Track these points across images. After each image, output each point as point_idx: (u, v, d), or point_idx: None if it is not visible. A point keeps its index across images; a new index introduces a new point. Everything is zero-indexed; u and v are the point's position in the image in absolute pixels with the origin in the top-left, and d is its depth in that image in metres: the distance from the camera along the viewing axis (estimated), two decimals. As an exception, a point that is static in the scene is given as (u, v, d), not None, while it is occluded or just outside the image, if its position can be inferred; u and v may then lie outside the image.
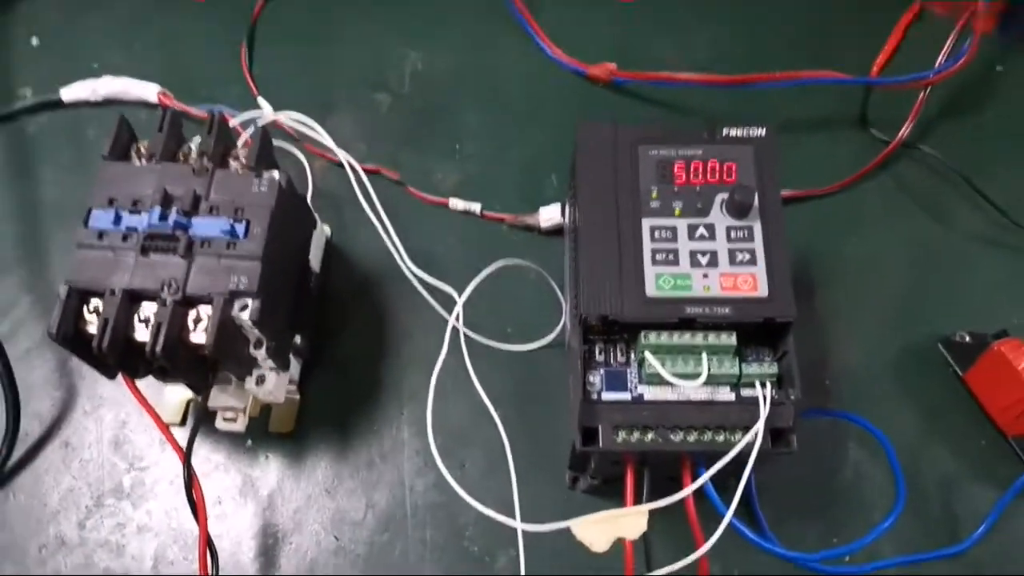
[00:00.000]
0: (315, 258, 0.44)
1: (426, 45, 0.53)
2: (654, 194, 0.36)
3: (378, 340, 0.45)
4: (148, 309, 0.34)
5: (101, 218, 0.35)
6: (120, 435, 0.43)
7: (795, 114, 0.50)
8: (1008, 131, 0.49)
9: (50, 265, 0.47)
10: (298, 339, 0.42)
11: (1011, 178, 0.48)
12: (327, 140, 0.45)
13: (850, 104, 0.50)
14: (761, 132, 0.36)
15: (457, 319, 0.40)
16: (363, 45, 0.53)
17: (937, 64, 0.48)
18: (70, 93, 0.50)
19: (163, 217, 0.34)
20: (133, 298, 0.34)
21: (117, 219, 0.35)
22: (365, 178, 0.45)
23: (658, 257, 0.34)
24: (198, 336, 0.34)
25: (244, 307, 0.34)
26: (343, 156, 0.45)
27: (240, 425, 0.41)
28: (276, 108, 0.49)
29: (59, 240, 0.47)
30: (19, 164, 0.49)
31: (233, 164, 0.37)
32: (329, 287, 0.46)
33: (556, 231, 0.47)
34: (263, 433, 0.43)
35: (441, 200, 0.48)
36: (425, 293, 0.42)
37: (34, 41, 0.53)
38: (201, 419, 0.38)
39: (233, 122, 0.43)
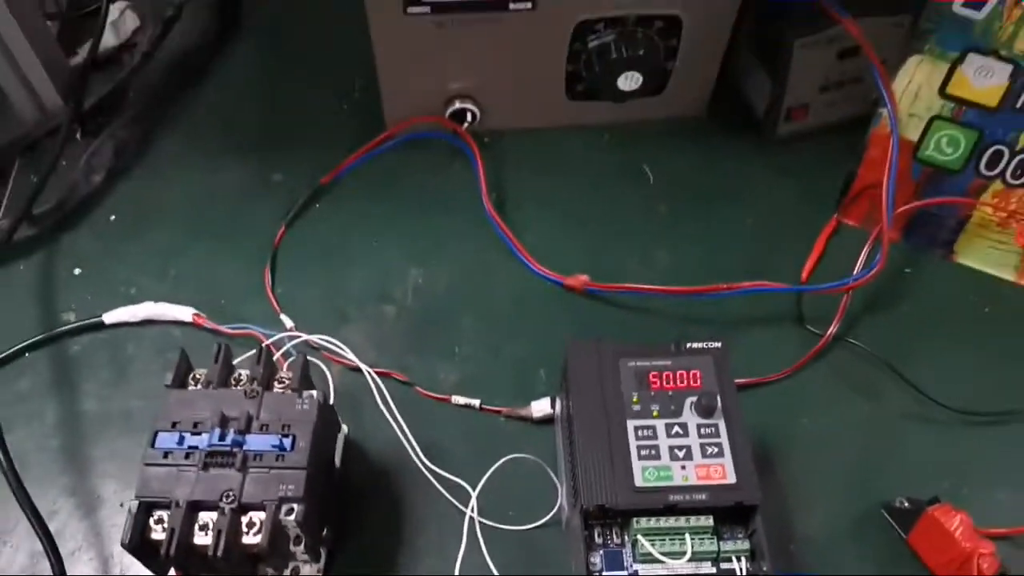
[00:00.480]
0: (337, 457, 0.50)
1: (426, 264, 0.61)
2: (635, 399, 0.43)
3: (396, 529, 0.50)
4: (205, 516, 0.40)
5: (166, 440, 0.41)
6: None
7: (743, 314, 0.58)
8: (921, 323, 0.58)
9: (90, 472, 0.52)
10: (325, 531, 0.47)
11: (928, 362, 0.56)
12: (347, 352, 0.52)
13: (788, 305, 0.59)
14: (717, 345, 0.45)
15: (473, 511, 0.46)
16: (371, 265, 0.61)
17: (855, 272, 0.57)
18: (112, 317, 0.57)
19: (222, 437, 0.40)
20: (194, 508, 0.39)
21: (180, 440, 0.41)
22: (379, 381, 0.52)
23: (642, 453, 0.41)
24: (251, 539, 0.39)
25: (291, 511, 0.40)
26: (360, 363, 0.52)
27: (269, 617, 0.45)
28: (296, 321, 0.57)
29: (99, 447, 0.52)
30: (62, 381, 0.55)
31: (278, 387, 0.44)
32: (347, 481, 0.51)
33: (547, 421, 0.54)
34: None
35: (444, 397, 0.55)
36: (438, 485, 0.48)
37: (76, 271, 0.60)
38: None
39: (266, 341, 0.51)
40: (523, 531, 0.49)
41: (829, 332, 0.57)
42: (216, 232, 0.62)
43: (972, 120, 0.55)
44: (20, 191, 0.62)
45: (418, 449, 0.49)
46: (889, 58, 0.56)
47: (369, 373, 0.52)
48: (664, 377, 0.44)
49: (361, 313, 0.59)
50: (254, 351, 0.45)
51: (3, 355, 0.56)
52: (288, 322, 0.57)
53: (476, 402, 0.54)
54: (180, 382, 0.43)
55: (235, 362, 0.46)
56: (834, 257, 0.61)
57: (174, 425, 0.41)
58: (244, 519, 0.39)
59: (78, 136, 0.66)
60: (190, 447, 0.40)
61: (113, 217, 0.63)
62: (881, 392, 0.55)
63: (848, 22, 0.58)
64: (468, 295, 0.60)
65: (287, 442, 0.41)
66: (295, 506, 0.40)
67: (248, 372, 0.44)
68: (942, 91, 0.55)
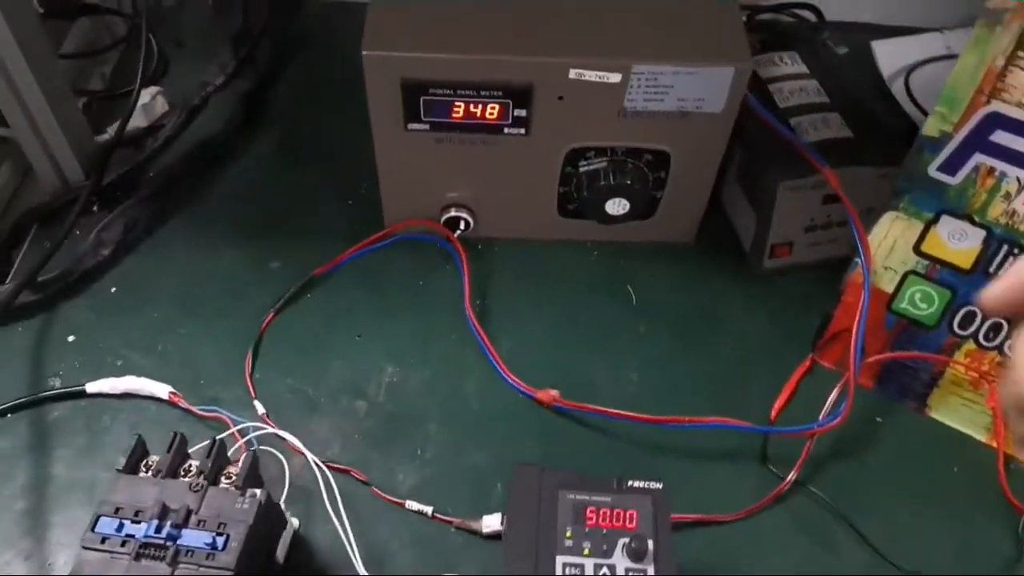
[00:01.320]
0: (281, 551, 0.51)
1: (403, 361, 0.63)
2: (568, 533, 0.43)
3: (327, 634, 0.50)
4: (132, 608, 0.40)
5: (106, 524, 0.42)
6: None
7: (707, 446, 0.58)
8: (887, 476, 0.58)
9: (48, 538, 0.53)
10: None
11: (890, 518, 0.55)
12: (303, 448, 0.54)
13: (753, 441, 0.59)
14: (658, 487, 0.45)
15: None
16: (351, 358, 0.63)
17: (821, 417, 0.58)
18: (94, 387, 0.59)
19: (158, 529, 0.42)
20: (121, 598, 0.40)
21: (120, 527, 0.42)
22: (333, 480, 0.54)
23: (566, 591, 0.41)
24: (172, 637, 0.40)
25: (214, 612, 0.40)
26: (316, 461, 0.53)
27: None
28: (268, 408, 0.59)
29: (61, 515, 0.54)
30: (38, 445, 0.57)
31: (224, 482, 0.45)
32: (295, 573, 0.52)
33: (496, 536, 0.54)
34: None
35: (399, 501, 0.55)
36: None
37: (70, 338, 0.63)
38: None
39: (232, 429, 0.52)
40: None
41: (790, 477, 0.57)
42: (208, 313, 0.65)
43: (946, 279, 0.56)
44: (32, 257, 0.66)
45: (358, 555, 0.50)
46: (877, 206, 0.57)
47: (323, 471, 0.54)
48: (601, 514, 0.44)
49: (333, 406, 0.60)
50: (207, 442, 0.46)
51: (-13, 414, 0.58)
52: (260, 408, 0.59)
53: (429, 509, 0.55)
54: (131, 468, 0.45)
55: (193, 449, 0.48)
56: (806, 397, 0.61)
57: (117, 511, 0.43)
58: (169, 614, 0.40)
59: (94, 209, 0.70)
60: (127, 535, 0.42)
61: (114, 289, 0.66)
62: (837, 546, 0.55)
63: (827, 172, 0.59)
64: (439, 398, 0.61)
65: (220, 541, 0.42)
66: (218, 606, 0.40)
67: (198, 464, 0.45)
68: (917, 248, 0.56)
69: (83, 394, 0.59)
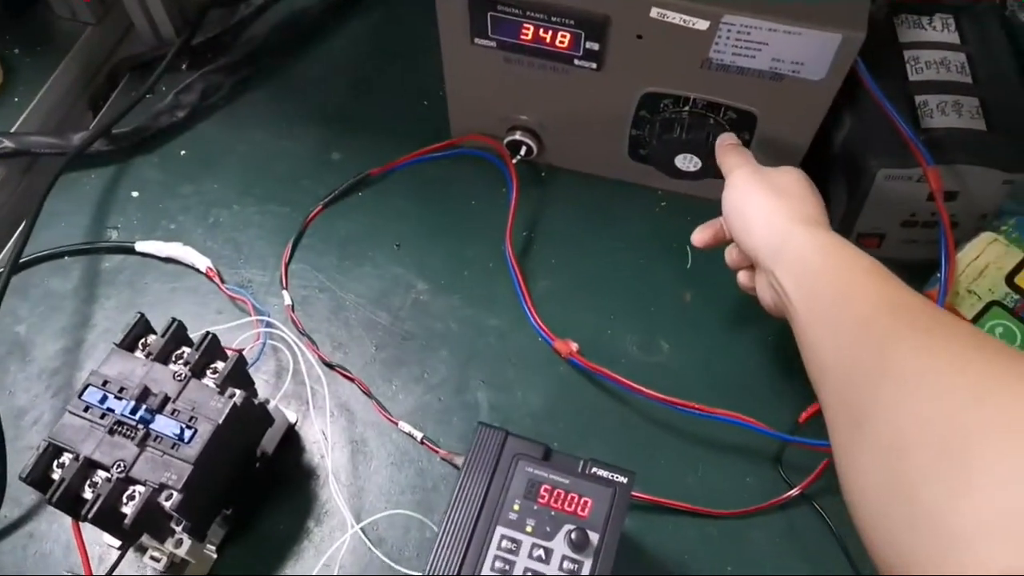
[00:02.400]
0: (270, 442, 0.53)
1: (435, 280, 0.62)
2: (516, 506, 0.42)
3: (297, 527, 0.52)
4: (100, 475, 0.43)
5: (92, 394, 0.44)
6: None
7: (719, 436, 0.55)
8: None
9: (78, 380, 0.57)
10: (228, 511, 0.50)
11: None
12: (315, 349, 0.55)
13: (771, 441, 0.55)
14: (623, 480, 0.43)
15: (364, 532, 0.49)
16: (385, 267, 0.62)
17: (848, 437, 0.52)
18: (143, 246, 0.62)
19: (134, 410, 0.44)
20: (91, 465, 0.43)
21: (103, 399, 0.44)
22: (336, 384, 0.55)
23: (496, 564, 0.41)
24: (127, 508, 0.42)
25: (169, 497, 0.43)
26: (321, 361, 0.55)
27: (162, 566, 0.49)
28: (296, 300, 0.60)
29: (93, 360, 0.58)
30: (87, 291, 0.61)
31: (210, 376, 0.46)
32: (280, 466, 0.54)
33: (481, 477, 0.54)
34: (179, 580, 0.50)
35: (393, 420, 0.56)
36: (341, 504, 0.50)
37: (134, 194, 0.66)
38: (119, 562, 0.46)
39: (252, 317, 0.54)
40: (393, 569, 0.50)
41: (797, 489, 0.53)
42: (263, 194, 0.66)
43: (1035, 321, 0.48)
44: (116, 107, 0.68)
45: (331, 473, 0.52)
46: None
47: (329, 374, 0.55)
48: (555, 495, 0.42)
49: (356, 311, 0.61)
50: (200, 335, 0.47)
51: (48, 252, 0.62)
52: (287, 299, 0.60)
53: (419, 434, 0.55)
54: (128, 344, 0.47)
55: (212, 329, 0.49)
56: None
57: (104, 384, 0.45)
58: (129, 490, 0.43)
59: (183, 68, 0.71)
60: (108, 409, 0.44)
61: (183, 152, 0.68)
62: (825, 568, 0.51)
63: (930, 169, 0.51)
64: (460, 325, 0.60)
65: (188, 433, 0.44)
66: (173, 494, 0.42)
67: (188, 356, 0.47)
68: (1009, 280, 0.49)
69: (132, 251, 0.62)
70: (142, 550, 0.50)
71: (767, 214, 0.46)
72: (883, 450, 0.33)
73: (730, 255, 0.54)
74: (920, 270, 0.56)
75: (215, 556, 0.51)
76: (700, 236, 0.55)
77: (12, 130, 0.66)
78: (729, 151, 0.53)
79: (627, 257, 0.63)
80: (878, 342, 0.36)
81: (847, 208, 0.59)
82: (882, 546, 0.33)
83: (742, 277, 0.53)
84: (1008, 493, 0.28)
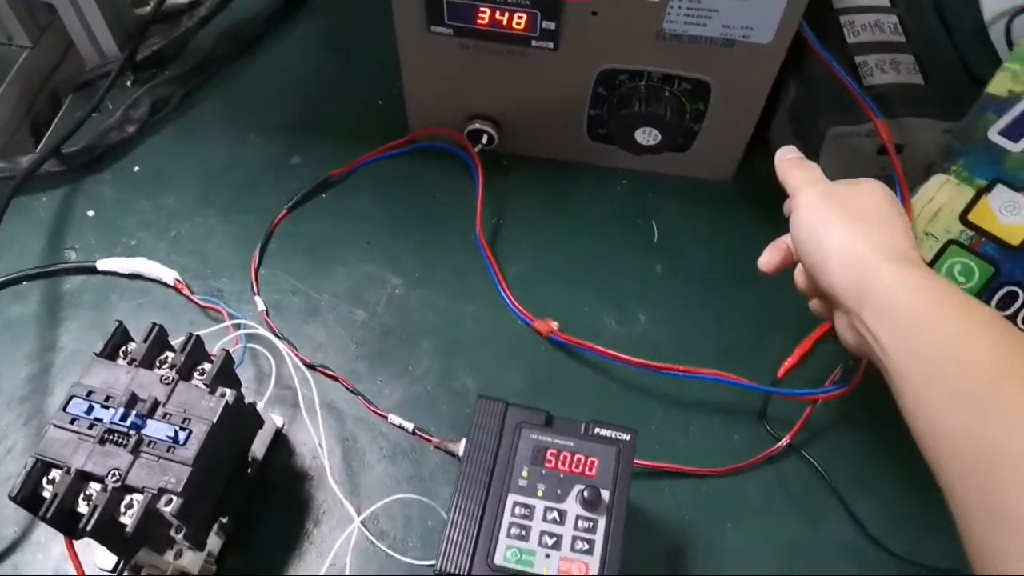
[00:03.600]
0: (260, 447, 0.52)
1: (408, 274, 0.62)
2: (525, 473, 0.42)
3: (296, 529, 0.51)
4: (94, 487, 0.42)
5: (77, 406, 0.43)
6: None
7: (704, 397, 0.56)
8: (888, 452, 0.55)
9: (49, 406, 0.55)
10: (224, 520, 0.49)
11: (884, 497, 0.53)
12: (295, 351, 0.54)
13: (754, 398, 0.56)
14: (626, 437, 0.43)
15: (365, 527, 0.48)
16: (356, 265, 0.62)
17: (827, 383, 0.54)
18: (105, 264, 0.60)
19: (124, 417, 0.43)
20: (84, 477, 0.42)
21: (89, 410, 0.43)
22: (321, 384, 0.55)
23: (512, 531, 0.41)
24: (126, 519, 0.41)
25: (169, 502, 0.41)
26: (302, 362, 0.54)
27: (160, 584, 0.48)
28: (269, 306, 0.59)
29: (63, 384, 0.56)
30: (49, 315, 0.59)
31: (197, 378, 0.46)
32: (269, 472, 0.53)
33: (475, 461, 0.54)
34: (178, 595, 0.49)
35: (383, 414, 0.55)
36: (342, 498, 0.49)
37: (90, 212, 0.64)
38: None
39: (227, 323, 0.53)
40: (398, 560, 0.49)
41: (784, 440, 0.54)
42: (224, 203, 0.65)
43: (990, 254, 0.51)
44: (62, 127, 0.67)
45: (328, 467, 0.51)
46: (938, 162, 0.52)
47: (312, 375, 0.54)
48: (561, 458, 0.43)
49: (332, 311, 0.60)
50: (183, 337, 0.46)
51: (5, 278, 0.60)
52: (260, 305, 0.59)
53: (410, 426, 0.55)
54: (109, 353, 0.46)
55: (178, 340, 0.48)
56: (820, 361, 0.58)
57: (89, 394, 0.44)
58: (126, 500, 0.41)
59: (129, 84, 0.70)
60: (95, 419, 0.43)
61: (137, 168, 0.67)
62: (823, 516, 0.53)
63: (879, 122, 0.54)
64: (438, 316, 0.60)
65: (182, 435, 0.42)
66: (173, 498, 0.41)
67: (173, 356, 0.46)
68: (963, 218, 0.51)
69: (94, 270, 0.60)
70: (137, 569, 0.48)
71: (847, 246, 0.40)
72: (1018, 541, 0.29)
73: (800, 279, 0.48)
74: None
75: (215, 568, 0.49)
76: (768, 260, 0.48)
77: (-47, 158, 0.64)
78: (792, 167, 0.47)
79: (595, 236, 0.64)
80: (1006, 413, 0.32)
81: (801, 170, 0.62)
82: None
83: (815, 305, 0.47)
84: None
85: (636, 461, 0.52)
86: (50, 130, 0.68)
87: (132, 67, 0.69)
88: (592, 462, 0.43)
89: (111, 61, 0.69)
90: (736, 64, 0.55)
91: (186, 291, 0.59)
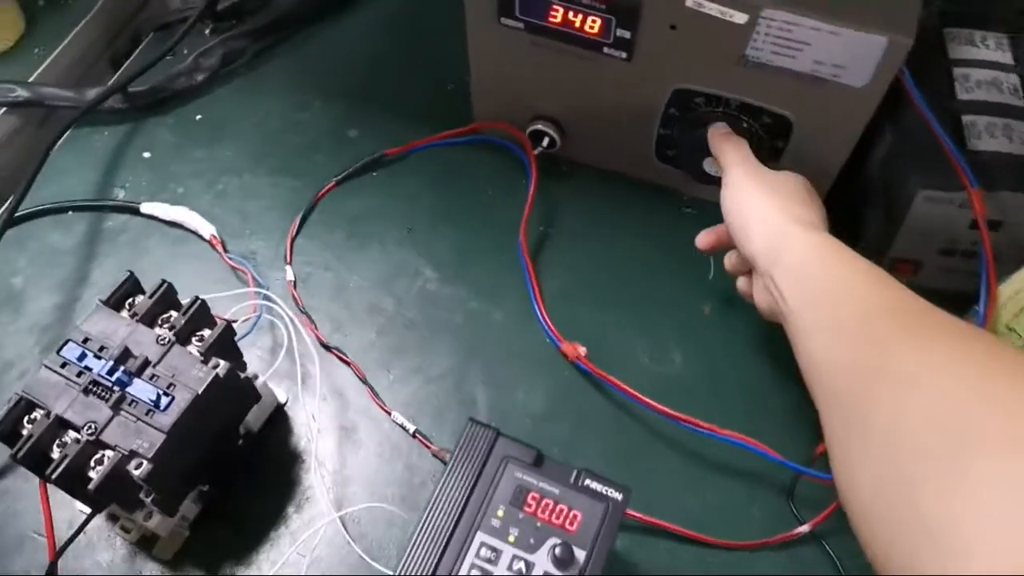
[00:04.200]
0: (256, 420, 0.51)
1: (443, 269, 0.59)
2: (501, 512, 0.39)
3: (276, 510, 0.50)
4: (71, 435, 0.41)
5: (71, 351, 0.43)
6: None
7: (728, 459, 0.52)
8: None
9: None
10: (205, 488, 0.48)
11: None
12: (308, 336, 0.53)
13: (785, 472, 0.51)
14: (618, 496, 0.40)
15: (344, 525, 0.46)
16: (393, 250, 0.60)
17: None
18: (148, 208, 0.60)
19: (112, 371, 0.42)
20: (62, 424, 0.41)
21: (81, 356, 0.42)
22: (331, 366, 0.53)
23: (473, 573, 0.38)
24: (93, 473, 0.40)
25: (139, 466, 0.41)
26: (318, 351, 0.53)
27: (132, 537, 0.47)
28: (298, 277, 0.58)
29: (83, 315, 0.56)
30: (87, 249, 0.59)
31: (194, 344, 0.44)
32: (265, 446, 0.52)
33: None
34: (148, 554, 0.48)
35: (387, 409, 0.53)
36: (323, 492, 0.48)
37: (145, 154, 0.64)
38: (83, 527, 0.44)
39: (251, 288, 0.52)
40: (369, 566, 0.47)
41: (806, 527, 0.49)
42: (275, 165, 0.64)
43: (1077, 365, 0.45)
44: (136, 65, 0.67)
45: (321, 446, 0.49)
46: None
47: (325, 356, 0.53)
48: (543, 505, 0.40)
49: (359, 294, 0.58)
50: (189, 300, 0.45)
51: (52, 205, 0.61)
52: (290, 275, 0.58)
53: (412, 427, 0.53)
54: (114, 303, 0.45)
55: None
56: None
57: (85, 341, 0.43)
58: (97, 453, 0.41)
59: (207, 32, 0.69)
60: (85, 367, 0.42)
61: (199, 117, 0.66)
62: (830, 615, 0.48)
63: (975, 193, 0.48)
64: (464, 317, 0.58)
65: (164, 400, 0.41)
66: (144, 463, 0.40)
67: (173, 320, 0.45)
68: (1053, 318, 0.45)
69: (137, 212, 0.60)
70: (113, 519, 0.48)
71: (765, 216, 0.45)
72: (879, 450, 0.33)
73: (729, 260, 0.53)
74: (957, 302, 0.53)
75: (187, 533, 0.49)
76: (704, 239, 0.54)
77: (29, 80, 0.65)
78: (724, 142, 0.52)
79: (644, 261, 0.60)
80: (875, 343, 0.36)
81: (883, 231, 0.56)
82: (878, 545, 0.32)
83: (741, 283, 0.53)
84: (1005, 496, 0.28)
85: (636, 513, 0.49)
86: (123, 67, 0.68)
87: (212, 15, 0.69)
88: (575, 516, 0.39)
89: (192, 6, 0.69)
90: (824, 104, 0.50)
91: (220, 248, 0.58)
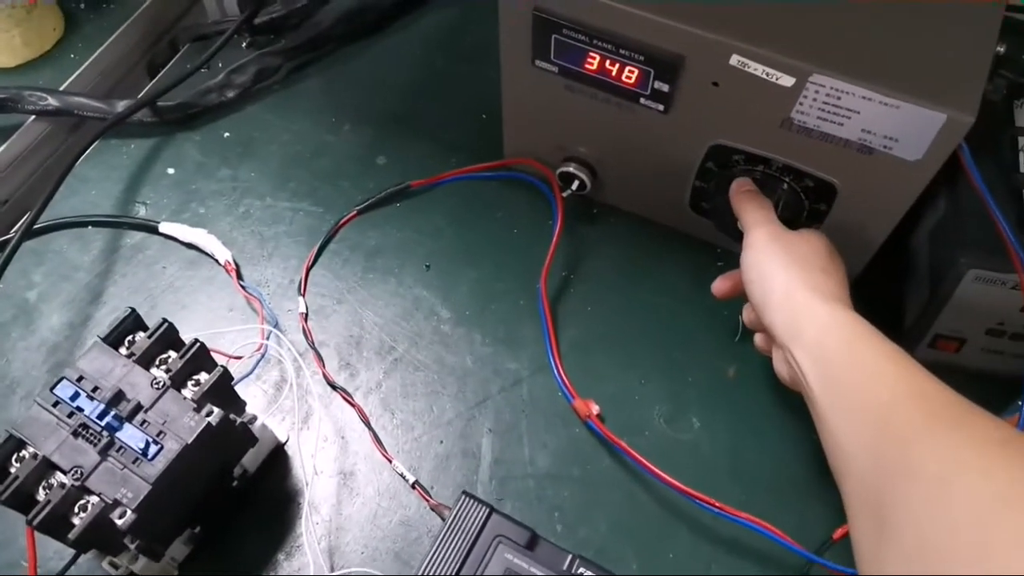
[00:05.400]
0: (253, 461, 0.50)
1: (459, 311, 0.57)
2: (487, 595, 0.38)
3: (265, 556, 0.48)
4: (58, 478, 0.40)
5: (64, 389, 0.42)
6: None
7: (739, 539, 0.49)
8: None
9: (74, 360, 0.55)
10: (196, 529, 0.47)
11: None
12: (314, 374, 0.51)
13: (797, 557, 0.48)
14: (610, 588, 0.37)
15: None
16: (410, 287, 0.58)
17: None
18: (167, 228, 0.59)
19: (102, 415, 0.41)
20: (50, 466, 0.40)
21: (74, 396, 0.41)
22: (336, 408, 0.51)
23: (453, 660, 0.36)
24: (76, 519, 0.39)
25: (123, 515, 0.39)
26: (323, 389, 0.51)
27: (120, 573, 0.46)
28: (312, 310, 0.56)
29: (95, 338, 0.55)
30: (103, 266, 0.59)
31: (189, 388, 0.43)
32: (261, 486, 0.51)
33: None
34: (136, 591, 0.47)
35: (389, 456, 0.52)
36: (316, 551, 0.46)
37: (170, 171, 0.63)
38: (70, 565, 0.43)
39: (260, 324, 0.51)
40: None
41: (820, 615, 0.46)
42: (299, 191, 0.63)
43: None
44: (169, 78, 0.66)
45: (312, 494, 0.48)
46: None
47: (330, 397, 0.51)
48: (533, 589, 0.38)
49: (371, 331, 0.57)
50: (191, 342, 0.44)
51: (72, 219, 0.60)
52: (302, 306, 0.57)
53: (412, 478, 0.51)
54: (114, 340, 0.44)
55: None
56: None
57: (79, 379, 0.42)
58: (82, 499, 0.40)
59: (244, 46, 0.68)
60: (77, 407, 0.41)
61: (227, 135, 0.65)
62: None
63: (1029, 281, 0.44)
64: (476, 363, 0.56)
65: (153, 449, 0.40)
66: (127, 512, 0.39)
67: (170, 363, 0.43)
68: (1107, 425, 0.41)
69: (155, 231, 0.60)
70: (100, 555, 0.47)
71: (786, 288, 0.44)
72: (907, 554, 0.33)
73: (748, 314, 0.51)
74: (1002, 386, 0.49)
75: (176, 574, 0.47)
76: (720, 285, 0.52)
77: (61, 88, 0.65)
78: (747, 200, 0.50)
79: (671, 316, 0.57)
80: (901, 436, 0.36)
81: (927, 306, 0.53)
82: None
83: (759, 340, 0.51)
84: None
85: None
86: (154, 80, 0.67)
87: (249, 29, 0.68)
88: (565, 604, 0.37)
89: (230, 19, 0.68)
90: (872, 174, 0.47)
91: (234, 275, 0.57)
